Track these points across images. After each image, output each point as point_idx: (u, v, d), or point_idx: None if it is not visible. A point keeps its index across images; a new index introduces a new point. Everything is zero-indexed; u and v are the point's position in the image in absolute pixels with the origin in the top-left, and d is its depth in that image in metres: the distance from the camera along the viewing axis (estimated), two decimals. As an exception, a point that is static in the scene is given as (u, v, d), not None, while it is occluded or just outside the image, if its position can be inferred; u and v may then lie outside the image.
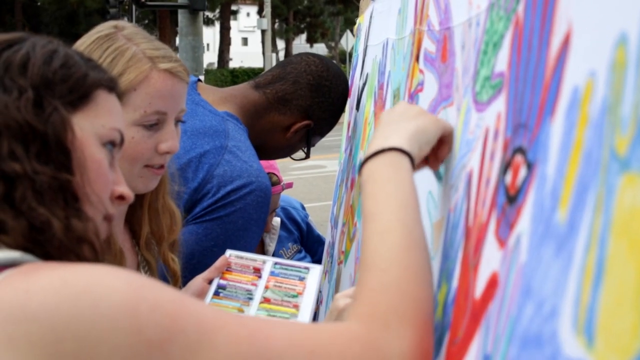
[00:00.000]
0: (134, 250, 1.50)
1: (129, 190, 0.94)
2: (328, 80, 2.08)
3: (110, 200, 0.91)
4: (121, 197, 0.93)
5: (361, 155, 1.97)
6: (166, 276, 1.53)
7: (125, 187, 0.94)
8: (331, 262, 2.29)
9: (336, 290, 2.06)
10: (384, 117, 1.04)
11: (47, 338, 0.68)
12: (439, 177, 1.07)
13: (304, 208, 2.76)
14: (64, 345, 0.68)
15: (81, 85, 0.89)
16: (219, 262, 1.50)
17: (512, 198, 0.71)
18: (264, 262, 1.53)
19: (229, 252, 1.55)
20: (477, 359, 0.73)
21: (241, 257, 1.54)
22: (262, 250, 2.61)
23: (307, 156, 2.23)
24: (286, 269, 1.51)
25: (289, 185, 2.67)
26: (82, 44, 1.37)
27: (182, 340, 0.72)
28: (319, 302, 2.45)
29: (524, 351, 0.60)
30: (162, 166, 1.41)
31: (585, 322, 0.51)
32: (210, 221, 1.78)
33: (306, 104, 2.06)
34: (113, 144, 0.92)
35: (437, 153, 1.02)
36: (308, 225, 2.70)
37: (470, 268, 0.82)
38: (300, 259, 2.62)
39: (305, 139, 2.12)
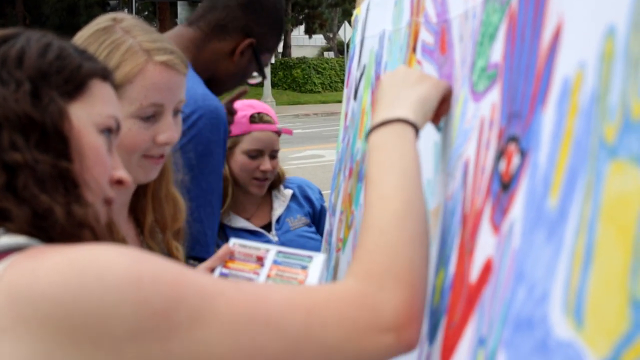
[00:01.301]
0: (139, 239, 1.51)
1: (128, 175, 0.97)
2: None
3: (110, 185, 0.94)
4: (120, 182, 0.96)
5: (359, 145, 1.98)
6: None
7: (124, 171, 0.96)
8: (329, 250, 2.31)
9: (334, 278, 2.07)
10: (385, 81, 1.08)
11: (57, 314, 0.71)
12: (436, 164, 1.09)
13: (321, 195, 2.78)
14: (73, 320, 0.71)
15: (76, 76, 0.92)
16: (221, 251, 1.51)
17: (506, 185, 0.73)
18: (268, 250, 1.54)
19: (232, 241, 1.56)
20: (472, 341, 0.75)
21: (244, 246, 1.55)
22: (269, 214, 2.62)
23: (263, 76, 2.23)
24: (289, 258, 1.52)
25: (287, 131, 2.67)
26: (81, 37, 1.39)
27: (185, 308, 0.75)
28: None
29: (517, 333, 0.62)
30: (162, 156, 1.43)
31: (575, 304, 0.53)
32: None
33: (242, 23, 2.07)
34: (110, 131, 0.95)
35: (438, 110, 1.06)
36: (322, 208, 2.71)
37: (466, 254, 0.84)
38: (310, 233, 2.64)
39: (254, 59, 2.13)
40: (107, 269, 0.74)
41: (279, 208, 2.63)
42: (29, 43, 0.90)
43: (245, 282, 0.83)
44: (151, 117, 1.39)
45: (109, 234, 0.92)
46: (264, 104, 2.69)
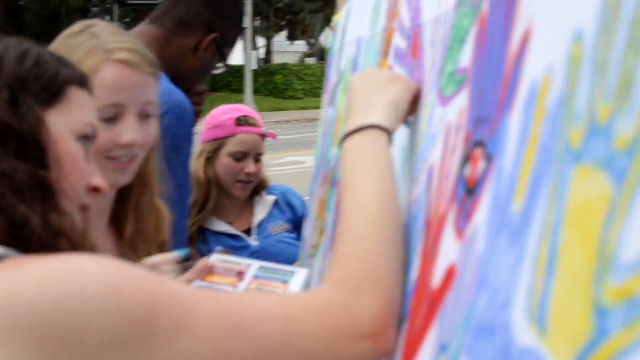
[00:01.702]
0: (118, 248, 1.48)
1: (104, 183, 0.96)
2: None
3: (86, 192, 0.93)
4: (96, 189, 0.95)
5: (334, 152, 1.97)
6: None
7: (101, 179, 0.96)
8: (305, 257, 2.30)
9: (307, 284, 2.06)
10: (356, 82, 1.09)
11: (34, 325, 0.69)
12: (402, 170, 1.09)
13: (304, 204, 2.79)
14: (51, 331, 0.69)
15: (54, 83, 0.91)
16: (200, 265, 1.49)
17: (471, 190, 0.73)
18: (249, 265, 1.52)
19: (214, 257, 1.54)
20: (434, 348, 0.75)
21: (226, 261, 1.53)
22: (251, 219, 2.61)
23: (226, 66, 2.25)
24: (271, 272, 1.49)
25: (272, 135, 2.68)
26: (55, 44, 1.37)
27: (165, 318, 0.75)
28: None
29: (479, 340, 0.61)
30: (130, 160, 1.39)
31: (538, 311, 0.52)
32: (157, 164, 1.79)
33: (205, 19, 2.07)
34: (87, 138, 0.95)
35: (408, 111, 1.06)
36: (305, 216, 2.72)
37: (429, 259, 0.83)
38: (290, 240, 2.64)
39: (217, 53, 2.13)
40: (87, 279, 0.73)
41: (260, 213, 2.63)
42: (7, 50, 0.90)
43: (224, 293, 0.83)
44: (112, 118, 1.35)
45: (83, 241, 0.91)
46: (250, 109, 2.71)
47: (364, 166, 0.95)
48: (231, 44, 2.19)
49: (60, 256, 0.77)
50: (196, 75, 2.16)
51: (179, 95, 1.86)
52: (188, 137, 1.88)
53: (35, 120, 0.86)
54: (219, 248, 1.57)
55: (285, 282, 1.46)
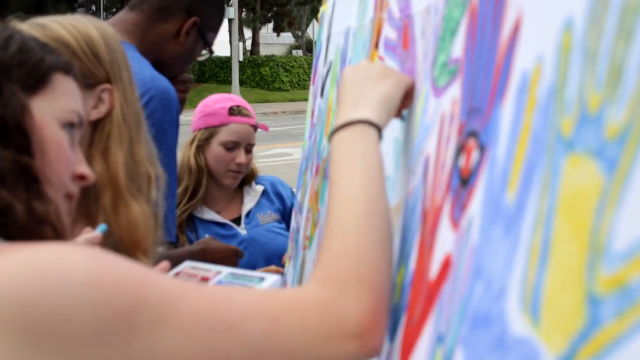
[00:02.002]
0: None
1: (90, 170, 0.95)
2: None
3: (72, 180, 0.92)
4: (82, 177, 0.94)
5: (325, 142, 1.97)
6: None
7: (86, 167, 0.95)
8: (296, 248, 2.30)
9: (301, 275, 2.06)
10: (347, 76, 1.07)
11: (15, 314, 0.69)
12: (396, 160, 1.08)
13: (293, 193, 2.80)
14: (32, 321, 0.69)
15: (38, 70, 0.90)
16: (158, 268, 1.47)
17: (465, 181, 0.73)
18: (219, 272, 1.49)
19: (185, 264, 1.52)
20: (431, 339, 0.75)
21: (195, 268, 1.51)
22: (240, 209, 2.64)
23: (211, 52, 2.23)
24: (238, 278, 1.46)
25: (263, 127, 2.68)
26: None
27: (147, 311, 0.74)
28: (282, 286, 2.46)
29: (474, 330, 0.61)
30: None
31: (532, 301, 0.53)
32: None
33: (184, 3, 2.07)
34: (72, 125, 0.93)
35: (400, 105, 1.05)
36: (293, 206, 2.73)
37: (426, 250, 0.83)
38: (279, 229, 2.65)
39: (200, 38, 2.12)
40: (69, 269, 0.72)
41: (249, 203, 2.65)
42: None
43: (209, 286, 0.82)
44: None
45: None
46: (242, 99, 2.71)
47: (351, 162, 0.94)
48: (214, 29, 2.17)
49: (44, 244, 0.77)
50: (180, 61, 2.14)
51: (162, 80, 1.85)
52: (173, 124, 1.86)
53: (18, 107, 0.85)
54: (207, 235, 1.55)
55: (249, 287, 1.42)
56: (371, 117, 0.98)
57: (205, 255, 2.17)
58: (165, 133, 1.82)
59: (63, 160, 0.90)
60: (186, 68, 2.22)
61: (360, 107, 1.00)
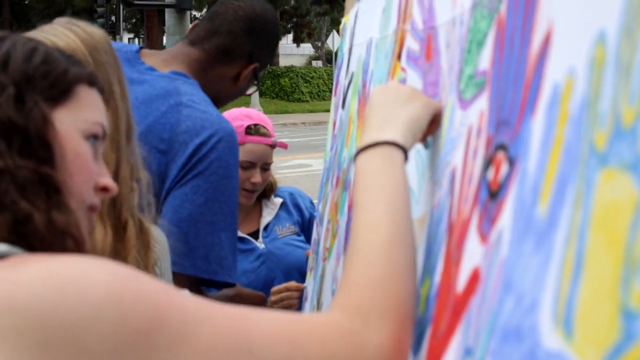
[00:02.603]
0: None
1: (113, 183, 0.95)
2: (258, 20, 2.10)
3: (94, 192, 0.92)
4: (105, 189, 0.94)
5: (345, 154, 1.97)
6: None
7: (109, 179, 0.95)
8: (316, 259, 2.30)
9: (320, 287, 2.06)
10: (375, 97, 1.05)
11: (34, 327, 0.68)
12: (420, 172, 1.08)
13: (312, 204, 2.79)
14: (50, 335, 0.69)
15: (62, 81, 0.90)
16: None
17: (494, 194, 0.72)
18: None
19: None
20: (458, 352, 0.74)
21: None
22: (258, 222, 2.63)
23: (258, 89, 2.28)
24: None
25: (282, 145, 2.67)
26: None
27: (166, 331, 0.73)
28: (303, 299, 2.45)
29: (504, 344, 0.61)
30: None
31: (564, 315, 0.52)
32: (193, 179, 1.78)
33: (247, 50, 2.08)
34: (96, 137, 0.93)
35: (426, 130, 1.03)
36: (312, 217, 2.71)
37: (452, 263, 0.83)
38: (297, 242, 2.63)
39: (254, 78, 2.15)
40: (89, 284, 0.71)
41: (267, 216, 2.64)
42: (15, 47, 0.89)
43: (231, 307, 0.81)
44: None
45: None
46: (262, 115, 2.68)
47: (376, 185, 0.92)
48: (265, 67, 2.20)
49: (64, 257, 0.76)
50: (231, 98, 2.17)
51: (227, 123, 1.87)
52: (237, 166, 1.89)
53: (40, 118, 0.85)
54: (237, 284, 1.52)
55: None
56: (397, 139, 0.96)
57: (237, 301, 2.18)
58: (231, 176, 1.83)
59: (86, 172, 0.90)
60: (233, 100, 2.25)
61: (387, 128, 0.98)
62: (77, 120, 0.91)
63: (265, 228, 2.64)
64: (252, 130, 2.56)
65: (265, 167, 2.55)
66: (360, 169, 0.96)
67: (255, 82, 2.18)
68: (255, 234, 2.62)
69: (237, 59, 2.07)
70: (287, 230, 2.66)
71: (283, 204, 2.69)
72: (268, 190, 2.67)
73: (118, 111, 1.41)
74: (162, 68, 1.96)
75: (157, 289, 0.76)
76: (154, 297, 0.74)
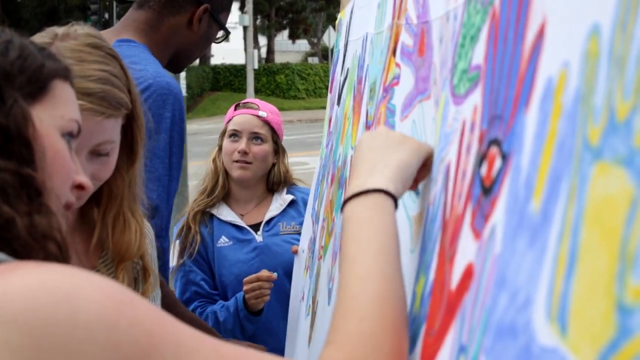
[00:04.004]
0: (87, 256, 1.45)
1: (88, 180, 0.94)
2: None
3: (70, 190, 0.90)
4: (80, 187, 0.92)
5: (340, 151, 1.96)
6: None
7: (84, 176, 0.93)
8: (312, 258, 2.29)
9: (316, 286, 2.06)
10: (364, 142, 1.01)
11: (24, 343, 0.66)
12: None
13: None
14: (40, 352, 0.66)
15: (39, 76, 0.87)
16: None
17: (487, 190, 0.72)
18: None
19: None
20: (452, 350, 0.74)
21: None
22: (264, 214, 2.68)
23: (227, 33, 2.24)
24: None
25: (274, 121, 2.71)
26: None
27: None
28: (299, 298, 2.45)
29: (499, 341, 0.60)
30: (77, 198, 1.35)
31: (559, 311, 0.52)
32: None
33: None
34: (71, 135, 0.91)
35: (417, 176, 1.00)
36: None
37: (446, 260, 0.82)
38: (297, 241, 2.66)
39: (213, 21, 2.13)
40: (82, 305, 0.68)
41: (274, 210, 2.68)
42: None
43: (225, 345, 0.77)
44: None
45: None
46: (258, 99, 2.80)
47: (366, 235, 0.88)
48: (226, 8, 2.18)
49: (56, 267, 0.73)
50: (197, 49, 2.15)
51: (166, 77, 1.85)
52: (174, 120, 1.86)
53: (20, 116, 0.81)
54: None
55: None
56: (387, 187, 0.92)
57: None
58: (166, 129, 1.81)
59: (65, 171, 0.87)
60: (205, 50, 2.22)
61: (376, 174, 0.94)
62: (54, 117, 0.88)
63: (269, 222, 2.67)
64: (240, 105, 2.72)
65: (254, 138, 2.63)
66: (349, 218, 0.92)
67: (219, 26, 2.15)
68: (257, 226, 2.66)
69: (184, 6, 2.06)
70: (291, 228, 2.69)
71: (294, 202, 2.72)
72: (277, 183, 2.72)
73: (138, 105, 1.43)
74: (112, 40, 1.95)
75: (152, 316, 0.73)
76: (148, 325, 0.71)
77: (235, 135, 2.64)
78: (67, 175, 0.88)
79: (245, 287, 2.47)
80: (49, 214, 0.82)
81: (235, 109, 2.72)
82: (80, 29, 1.38)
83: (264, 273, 2.49)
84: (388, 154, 0.96)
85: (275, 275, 2.49)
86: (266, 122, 2.66)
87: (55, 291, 0.69)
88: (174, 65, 2.17)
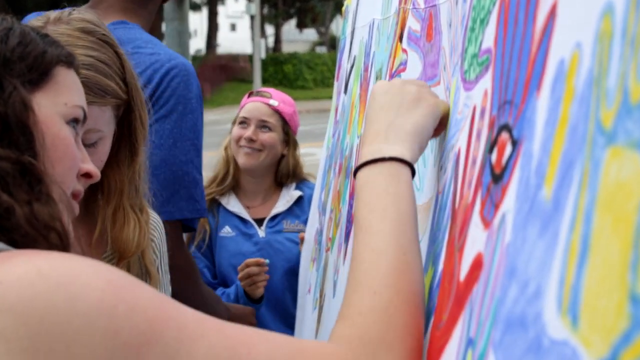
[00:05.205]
0: (90, 249, 1.43)
1: (95, 168, 0.92)
2: None
3: (77, 178, 0.89)
4: (87, 175, 0.91)
5: (348, 140, 1.95)
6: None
7: (91, 164, 0.92)
8: (319, 250, 2.28)
9: (323, 277, 2.04)
10: (378, 98, 0.97)
11: (21, 332, 0.65)
12: (423, 158, 1.05)
13: None
14: (37, 341, 0.65)
15: (40, 63, 0.86)
16: None
17: (498, 177, 0.70)
18: None
19: None
20: (460, 343, 0.72)
21: None
22: (270, 209, 2.68)
23: None
24: None
25: (285, 110, 2.71)
26: None
27: (160, 347, 0.69)
28: (306, 291, 2.44)
29: (508, 334, 0.59)
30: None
31: (570, 302, 0.50)
32: (155, 124, 1.75)
33: None
34: (76, 121, 0.90)
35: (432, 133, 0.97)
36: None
37: (455, 250, 0.80)
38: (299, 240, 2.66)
39: None
40: (80, 291, 0.67)
41: (280, 207, 2.68)
42: None
43: (231, 326, 0.75)
44: None
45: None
46: (273, 89, 2.80)
47: (381, 205, 0.85)
48: None
49: (53, 255, 0.72)
50: None
51: (179, 57, 1.83)
52: (198, 100, 1.85)
53: (20, 103, 0.81)
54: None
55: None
56: (404, 155, 0.89)
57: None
58: (193, 110, 1.80)
59: (69, 159, 0.86)
60: None
61: (392, 140, 0.91)
62: (57, 104, 0.87)
63: (274, 218, 2.67)
64: (254, 93, 2.72)
65: (262, 126, 2.63)
66: (364, 185, 0.89)
67: None
68: (261, 221, 2.66)
69: None
70: (295, 227, 2.70)
71: (301, 199, 2.72)
72: (287, 176, 2.72)
73: (140, 95, 1.41)
74: (105, 20, 1.93)
75: (153, 300, 0.71)
76: (149, 310, 0.70)
77: (244, 122, 2.65)
78: (72, 163, 0.87)
79: (239, 276, 2.48)
80: (49, 203, 0.81)
81: (248, 97, 2.73)
82: (77, 14, 1.36)
83: (251, 259, 2.50)
84: (403, 115, 0.93)
85: (265, 261, 2.49)
86: (276, 111, 2.65)
87: (52, 279, 0.67)
88: None
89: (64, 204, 0.84)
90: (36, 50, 0.87)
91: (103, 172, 1.37)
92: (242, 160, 2.63)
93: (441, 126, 0.97)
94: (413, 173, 0.90)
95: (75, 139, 0.89)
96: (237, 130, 2.65)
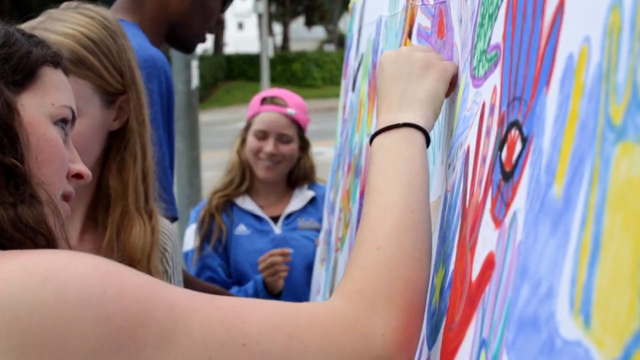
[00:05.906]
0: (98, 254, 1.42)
1: (86, 169, 0.91)
2: None
3: (67, 179, 0.88)
4: (78, 176, 0.90)
5: (357, 139, 1.94)
6: None
7: (82, 165, 0.91)
8: (328, 250, 2.27)
9: (333, 279, 2.03)
10: (387, 68, 0.98)
11: (12, 329, 0.65)
12: (431, 155, 1.05)
13: None
14: (29, 336, 0.65)
15: (25, 64, 0.86)
16: None
17: (508, 175, 0.69)
18: None
19: None
20: (473, 344, 0.71)
21: None
22: (283, 208, 2.67)
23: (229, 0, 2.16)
24: None
25: (302, 119, 2.66)
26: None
27: (153, 327, 0.69)
28: (315, 291, 2.44)
29: (521, 334, 0.58)
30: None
31: (582, 301, 0.49)
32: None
33: None
34: (65, 122, 0.89)
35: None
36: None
37: (466, 250, 0.79)
38: (315, 238, 2.66)
39: None
40: (67, 281, 0.67)
41: (294, 205, 2.68)
42: None
43: (223, 299, 0.76)
44: None
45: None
46: (286, 91, 2.74)
47: (393, 168, 0.86)
48: None
49: (39, 252, 0.72)
50: (194, 15, 2.03)
51: (149, 50, 1.79)
52: (162, 93, 1.80)
53: (4, 105, 0.80)
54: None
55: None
56: (418, 121, 0.90)
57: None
58: (155, 103, 1.75)
59: (57, 159, 0.86)
60: (208, 24, 2.09)
61: (405, 107, 0.92)
62: (43, 105, 0.86)
63: (289, 216, 2.67)
64: (267, 100, 2.64)
65: (282, 139, 2.59)
66: (377, 150, 0.90)
67: None
68: (276, 219, 2.66)
69: None
70: (310, 224, 2.70)
71: (314, 199, 2.72)
72: (301, 178, 2.71)
73: (140, 99, 1.39)
74: None
75: (141, 282, 0.72)
76: (139, 292, 0.70)
77: (261, 134, 2.58)
78: (60, 163, 0.87)
79: (261, 267, 2.47)
80: (34, 205, 0.80)
81: (261, 103, 2.64)
82: (85, 4, 1.36)
83: (275, 250, 2.49)
84: (415, 82, 0.94)
85: (290, 250, 2.49)
86: (294, 121, 2.63)
87: (39, 274, 0.68)
88: (178, 41, 2.08)
89: (51, 205, 0.84)
90: (21, 51, 0.86)
91: (106, 176, 1.36)
92: (262, 173, 2.61)
93: (451, 88, 0.98)
94: (428, 140, 0.91)
95: (64, 140, 0.89)
96: (254, 142, 2.59)
